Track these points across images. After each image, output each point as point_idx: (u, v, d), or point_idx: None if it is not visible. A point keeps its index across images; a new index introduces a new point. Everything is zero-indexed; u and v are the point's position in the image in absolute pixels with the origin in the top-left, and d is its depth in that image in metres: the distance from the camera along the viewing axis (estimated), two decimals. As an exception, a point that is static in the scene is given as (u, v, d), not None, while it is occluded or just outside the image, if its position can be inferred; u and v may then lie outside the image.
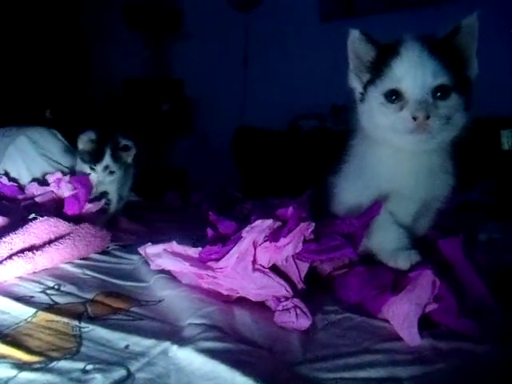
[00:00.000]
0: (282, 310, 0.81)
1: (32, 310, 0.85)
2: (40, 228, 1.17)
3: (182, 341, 0.72)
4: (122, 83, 3.05)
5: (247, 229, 0.91)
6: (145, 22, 3.04)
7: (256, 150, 2.53)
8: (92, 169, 1.55)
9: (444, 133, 0.88)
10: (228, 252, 0.90)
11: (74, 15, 3.09)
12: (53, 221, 1.22)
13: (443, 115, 0.85)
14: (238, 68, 3.07)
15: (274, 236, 0.89)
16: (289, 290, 0.85)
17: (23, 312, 0.85)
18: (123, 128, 1.69)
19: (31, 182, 1.87)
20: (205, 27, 3.17)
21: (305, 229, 0.89)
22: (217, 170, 2.75)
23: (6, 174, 1.92)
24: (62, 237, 1.18)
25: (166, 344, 0.71)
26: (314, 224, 0.91)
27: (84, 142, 1.57)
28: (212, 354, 0.67)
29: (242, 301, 0.90)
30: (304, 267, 0.91)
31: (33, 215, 1.30)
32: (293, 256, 0.90)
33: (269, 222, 0.91)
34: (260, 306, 0.88)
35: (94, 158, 1.55)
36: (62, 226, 1.22)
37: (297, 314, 0.80)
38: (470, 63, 0.90)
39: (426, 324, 0.76)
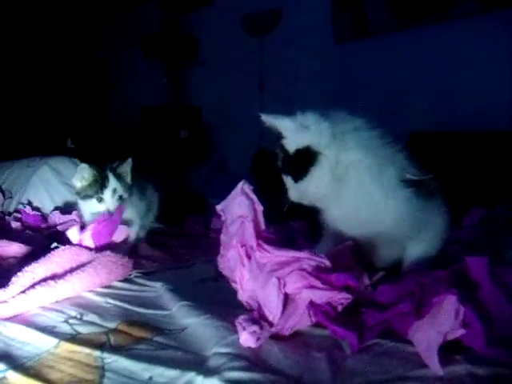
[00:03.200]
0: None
1: (54, 341, 0.84)
2: (62, 257, 1.17)
3: (207, 371, 0.69)
4: (140, 111, 3.10)
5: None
6: (162, 51, 3.10)
7: (276, 174, 2.52)
8: (100, 200, 1.44)
9: None
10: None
11: (93, 47, 3.17)
12: (75, 249, 1.22)
13: None
14: (255, 92, 3.09)
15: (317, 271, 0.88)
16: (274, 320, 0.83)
17: (45, 342, 0.84)
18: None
19: (53, 210, 1.89)
20: (221, 53, 3.21)
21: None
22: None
23: (29, 204, 1.95)
24: (83, 265, 1.17)
25: (191, 375, 0.69)
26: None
27: (81, 178, 1.46)
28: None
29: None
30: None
31: (55, 244, 1.30)
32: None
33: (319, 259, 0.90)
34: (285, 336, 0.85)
35: (99, 186, 1.44)
36: (83, 255, 1.22)
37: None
38: None
39: (460, 349, 0.73)
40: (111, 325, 0.92)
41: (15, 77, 2.59)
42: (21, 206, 1.94)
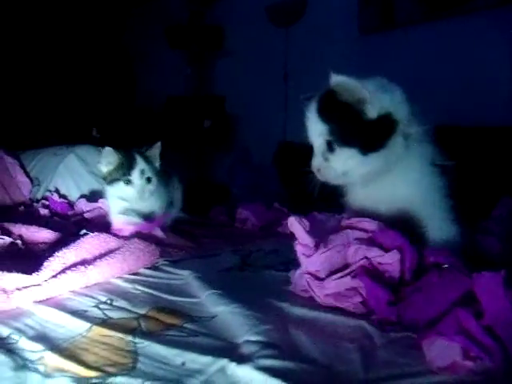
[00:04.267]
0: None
1: (87, 325, 0.86)
2: (91, 243, 1.19)
3: (239, 359, 0.69)
4: (164, 101, 3.11)
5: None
6: (186, 41, 3.10)
7: (299, 165, 2.51)
8: (128, 182, 1.41)
9: None
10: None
11: (118, 37, 3.20)
12: (103, 236, 1.24)
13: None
14: (279, 83, 3.07)
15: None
16: None
17: (78, 326, 0.85)
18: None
19: (79, 198, 1.92)
20: (245, 44, 3.20)
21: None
22: (259, 185, 2.74)
23: (57, 191, 1.98)
24: (112, 251, 1.19)
25: (224, 361, 0.69)
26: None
27: (106, 162, 1.44)
28: (273, 372, 0.64)
29: (297, 320, 0.87)
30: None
31: (84, 231, 1.33)
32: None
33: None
34: (315, 325, 0.85)
35: (126, 168, 1.41)
36: (112, 242, 1.24)
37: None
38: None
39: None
40: (141, 311, 0.93)
41: (43, 67, 2.64)
42: (48, 194, 1.97)
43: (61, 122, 2.53)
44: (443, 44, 2.45)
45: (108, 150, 1.42)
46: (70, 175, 2.05)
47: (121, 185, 1.42)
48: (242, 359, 0.69)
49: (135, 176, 1.41)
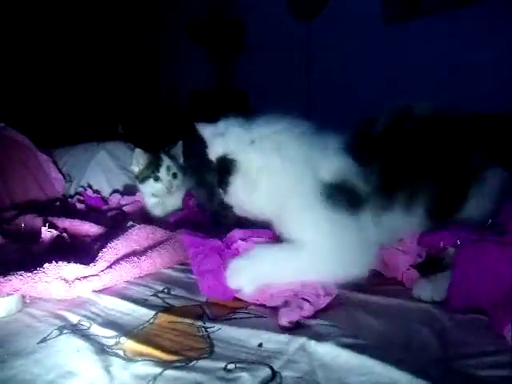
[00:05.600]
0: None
1: (151, 312, 0.87)
2: (139, 235, 1.21)
3: (318, 336, 0.71)
4: (187, 97, 3.12)
5: None
6: (208, 37, 3.11)
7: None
8: (157, 179, 1.54)
9: None
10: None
11: (142, 35, 3.22)
12: (150, 228, 1.25)
13: None
14: (302, 76, 3.07)
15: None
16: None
17: (144, 313, 0.88)
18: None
19: (112, 193, 1.94)
20: (267, 37, 3.19)
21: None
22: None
23: (89, 187, 2.00)
24: (160, 242, 1.21)
25: (302, 340, 0.71)
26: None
27: (137, 163, 1.57)
28: (356, 349, 0.66)
29: (361, 304, 0.88)
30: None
31: (130, 223, 1.35)
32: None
33: None
34: (381, 309, 0.86)
35: (154, 166, 1.54)
36: (158, 233, 1.25)
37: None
38: None
39: None
40: (202, 298, 0.95)
41: (71, 65, 2.67)
42: (81, 189, 1.99)
43: (88, 119, 2.56)
44: (468, 32, 2.44)
45: (138, 151, 1.56)
46: (102, 171, 2.06)
47: (151, 182, 1.55)
48: (320, 337, 0.71)
49: (162, 172, 1.54)
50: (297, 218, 0.90)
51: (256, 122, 0.97)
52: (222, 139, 0.96)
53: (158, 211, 1.61)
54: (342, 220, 0.87)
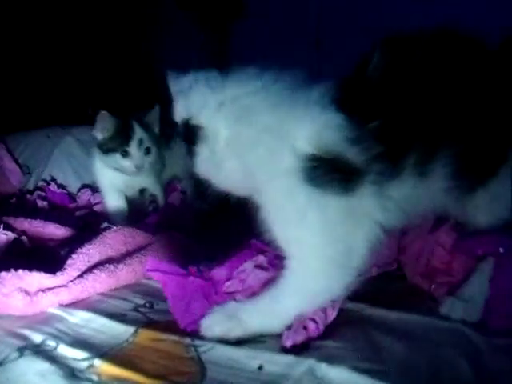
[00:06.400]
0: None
1: (131, 329, 0.88)
2: (116, 238, 1.22)
3: (328, 359, 0.72)
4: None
5: None
6: (199, 2, 3.08)
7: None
8: (124, 154, 1.51)
9: None
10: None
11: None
12: (128, 230, 1.27)
13: None
14: (310, 52, 3.06)
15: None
16: None
17: (121, 331, 0.88)
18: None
19: (82, 188, 1.94)
20: (268, 6, 3.17)
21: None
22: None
23: (53, 180, 2.00)
24: (141, 248, 1.22)
25: (310, 362, 0.72)
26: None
27: (101, 128, 1.54)
28: (373, 375, 0.67)
29: (378, 322, 0.90)
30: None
31: (105, 224, 1.36)
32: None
33: None
34: (402, 328, 0.87)
35: (123, 138, 1.51)
36: (138, 236, 1.27)
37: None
38: None
39: None
40: (190, 314, 0.95)
41: (31, 35, 2.64)
42: (42, 183, 1.99)
43: (50, 99, 2.53)
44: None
45: (103, 114, 1.51)
46: (68, 161, 2.06)
47: (117, 156, 1.52)
48: (332, 359, 0.72)
49: (133, 147, 1.50)
50: (273, 216, 0.85)
51: (231, 79, 0.92)
52: (185, 98, 0.92)
53: (114, 193, 1.63)
54: (335, 208, 0.81)
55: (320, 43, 3.05)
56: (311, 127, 0.82)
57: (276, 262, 0.99)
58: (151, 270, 0.98)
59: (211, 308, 0.89)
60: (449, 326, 0.86)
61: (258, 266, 0.99)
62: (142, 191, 1.70)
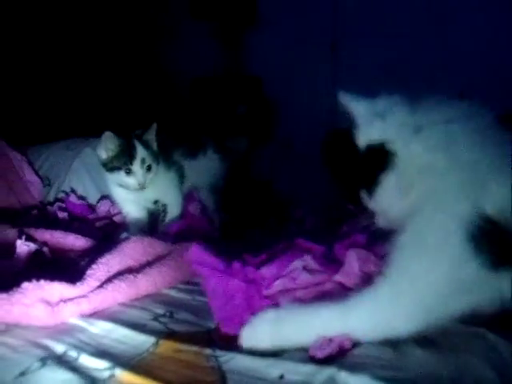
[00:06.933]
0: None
1: (151, 339, 0.90)
2: (135, 248, 1.24)
3: (350, 367, 0.73)
4: (189, 83, 3.13)
5: None
6: (212, 9, 3.11)
7: (354, 157, 2.50)
8: (128, 172, 1.59)
9: None
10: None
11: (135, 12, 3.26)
12: (147, 240, 1.29)
13: None
14: (325, 55, 3.06)
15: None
16: None
17: (142, 341, 0.90)
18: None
19: (101, 199, 1.97)
20: (284, 10, 3.18)
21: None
22: (305, 181, 2.74)
23: (73, 192, 2.03)
24: (161, 258, 1.24)
25: (331, 370, 0.72)
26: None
27: (106, 148, 1.61)
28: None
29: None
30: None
31: (125, 234, 1.38)
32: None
33: None
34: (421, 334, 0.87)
35: (126, 156, 1.59)
36: (157, 246, 1.29)
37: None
38: None
39: None
40: (211, 324, 0.97)
41: (49, 49, 2.68)
42: (62, 195, 2.03)
43: (70, 111, 2.58)
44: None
45: (108, 134, 1.59)
46: (88, 173, 2.09)
47: (121, 174, 1.60)
48: (354, 368, 0.72)
49: (136, 165, 1.59)
50: (407, 245, 0.82)
51: (421, 105, 0.89)
52: (381, 121, 0.89)
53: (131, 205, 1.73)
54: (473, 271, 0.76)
55: (336, 46, 3.05)
56: (503, 191, 0.76)
57: (322, 261, 1.04)
58: (195, 261, 1.04)
59: (250, 310, 0.92)
60: (472, 332, 0.86)
61: (306, 268, 1.01)
62: (156, 202, 1.75)
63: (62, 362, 0.82)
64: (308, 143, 2.87)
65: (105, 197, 1.99)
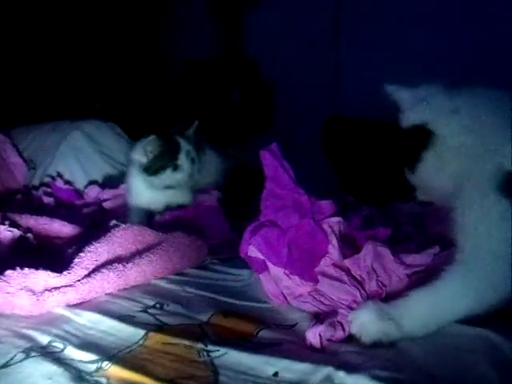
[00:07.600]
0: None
1: (140, 332, 0.89)
2: (125, 237, 1.23)
3: (347, 366, 0.73)
4: (183, 65, 3.11)
5: None
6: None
7: (354, 146, 2.50)
8: (176, 168, 1.57)
9: None
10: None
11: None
12: (137, 228, 1.27)
13: None
14: (328, 40, 3.04)
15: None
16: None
17: (131, 333, 0.90)
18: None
19: (89, 184, 1.95)
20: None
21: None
22: (303, 170, 2.73)
23: (59, 176, 2.00)
24: (150, 247, 1.23)
25: (328, 369, 0.72)
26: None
27: (146, 151, 1.58)
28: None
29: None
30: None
31: (114, 222, 1.37)
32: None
33: None
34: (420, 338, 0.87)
35: (171, 153, 1.57)
36: (148, 235, 1.28)
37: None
38: None
39: None
40: (202, 316, 0.97)
41: (35, 24, 2.66)
42: (48, 179, 2.00)
43: (56, 91, 2.55)
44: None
45: (154, 138, 1.56)
46: (75, 156, 2.06)
47: (167, 172, 1.57)
48: (351, 367, 0.72)
49: (182, 160, 1.57)
50: (464, 218, 0.92)
51: (458, 90, 1.00)
52: (421, 106, 0.99)
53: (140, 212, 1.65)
54: None
55: (338, 30, 3.03)
56: None
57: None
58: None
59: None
60: (475, 333, 0.86)
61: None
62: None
63: (47, 353, 0.82)
64: (308, 131, 2.87)
65: (93, 182, 1.97)
